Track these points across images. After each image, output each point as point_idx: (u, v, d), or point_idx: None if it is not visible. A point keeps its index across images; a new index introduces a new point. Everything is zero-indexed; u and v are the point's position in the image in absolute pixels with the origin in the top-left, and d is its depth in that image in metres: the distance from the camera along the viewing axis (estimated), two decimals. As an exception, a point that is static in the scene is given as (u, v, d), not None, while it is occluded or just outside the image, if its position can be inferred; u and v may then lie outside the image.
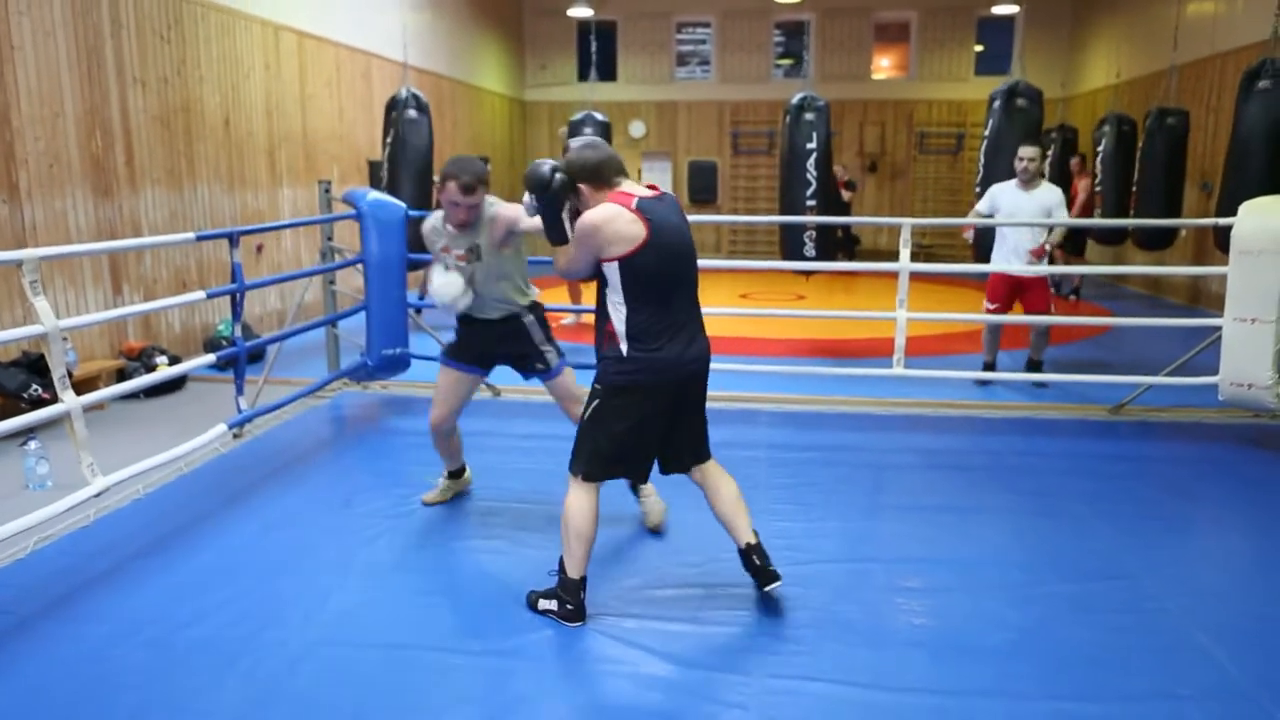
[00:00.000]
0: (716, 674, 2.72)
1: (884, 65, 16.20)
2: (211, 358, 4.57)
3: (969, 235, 6.63)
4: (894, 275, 5.51)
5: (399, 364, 5.75)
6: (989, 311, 6.16)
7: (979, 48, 15.60)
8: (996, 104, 7.76)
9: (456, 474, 4.13)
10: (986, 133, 7.80)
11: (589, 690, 2.66)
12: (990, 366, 6.35)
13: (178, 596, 3.17)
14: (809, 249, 7.48)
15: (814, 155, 7.42)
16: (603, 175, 2.89)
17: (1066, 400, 5.90)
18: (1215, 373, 5.01)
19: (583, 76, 16.07)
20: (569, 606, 2.99)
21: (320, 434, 5.28)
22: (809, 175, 7.42)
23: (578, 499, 2.98)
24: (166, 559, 3.47)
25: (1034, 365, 6.25)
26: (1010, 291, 6.12)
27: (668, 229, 2.87)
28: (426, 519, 3.88)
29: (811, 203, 7.46)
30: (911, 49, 15.76)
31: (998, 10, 14.07)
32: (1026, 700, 2.60)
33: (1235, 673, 2.74)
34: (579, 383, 3.77)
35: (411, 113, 7.78)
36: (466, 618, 3.07)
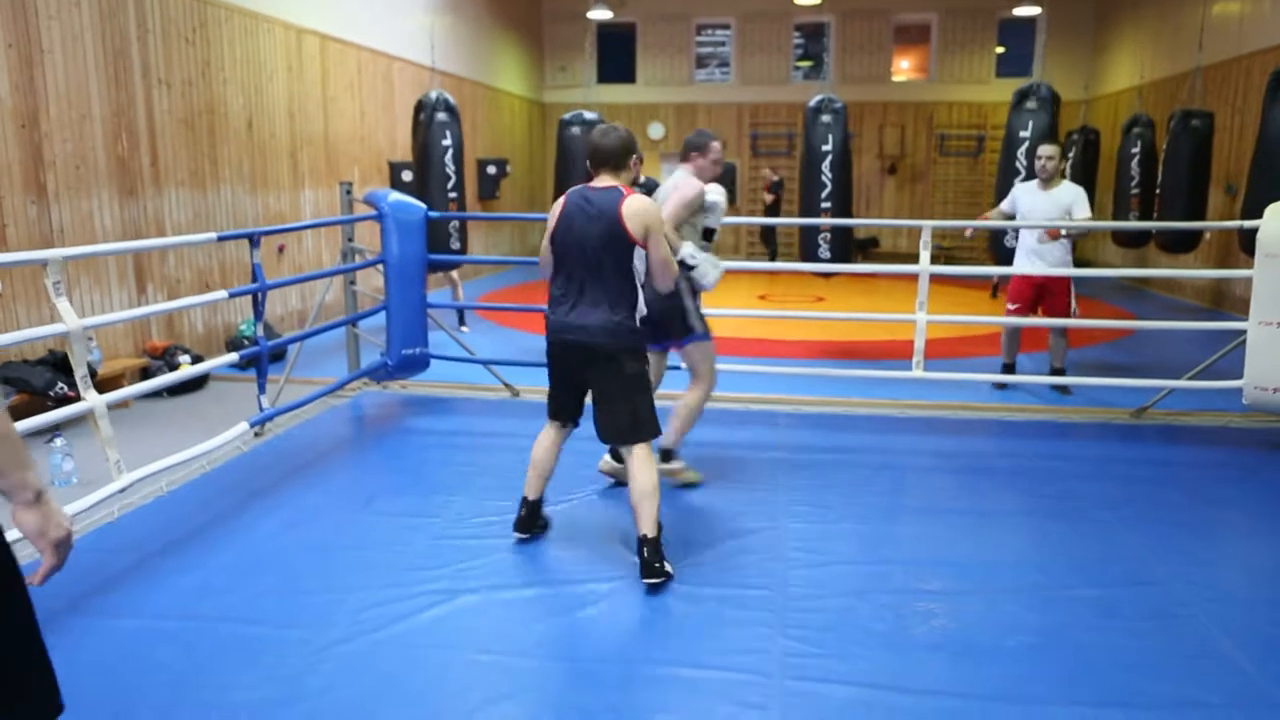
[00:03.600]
0: (736, 675, 2.71)
1: (904, 67, 16.13)
2: (234, 357, 4.61)
3: (969, 234, 6.55)
4: (913, 278, 5.49)
5: (419, 364, 5.78)
6: (1010, 313, 6.12)
7: (1000, 49, 15.50)
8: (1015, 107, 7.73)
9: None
10: (1026, 134, 7.73)
11: (611, 692, 2.66)
12: (1009, 369, 6.30)
13: (201, 593, 3.20)
14: (824, 251, 7.46)
15: (830, 157, 7.40)
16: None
17: (1088, 404, 5.85)
18: (1239, 377, 4.96)
19: (602, 79, 16.11)
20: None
21: (341, 433, 5.32)
22: (824, 177, 7.40)
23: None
24: (190, 556, 3.50)
25: (1056, 372, 6.19)
26: (1033, 293, 6.07)
27: (577, 218, 3.34)
28: (446, 518, 3.89)
29: (827, 205, 7.44)
30: (932, 51, 15.68)
31: (1019, 12, 13.97)
32: (1047, 705, 2.58)
33: (1261, 680, 2.71)
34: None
35: (441, 115, 7.83)
36: (488, 618, 3.07)
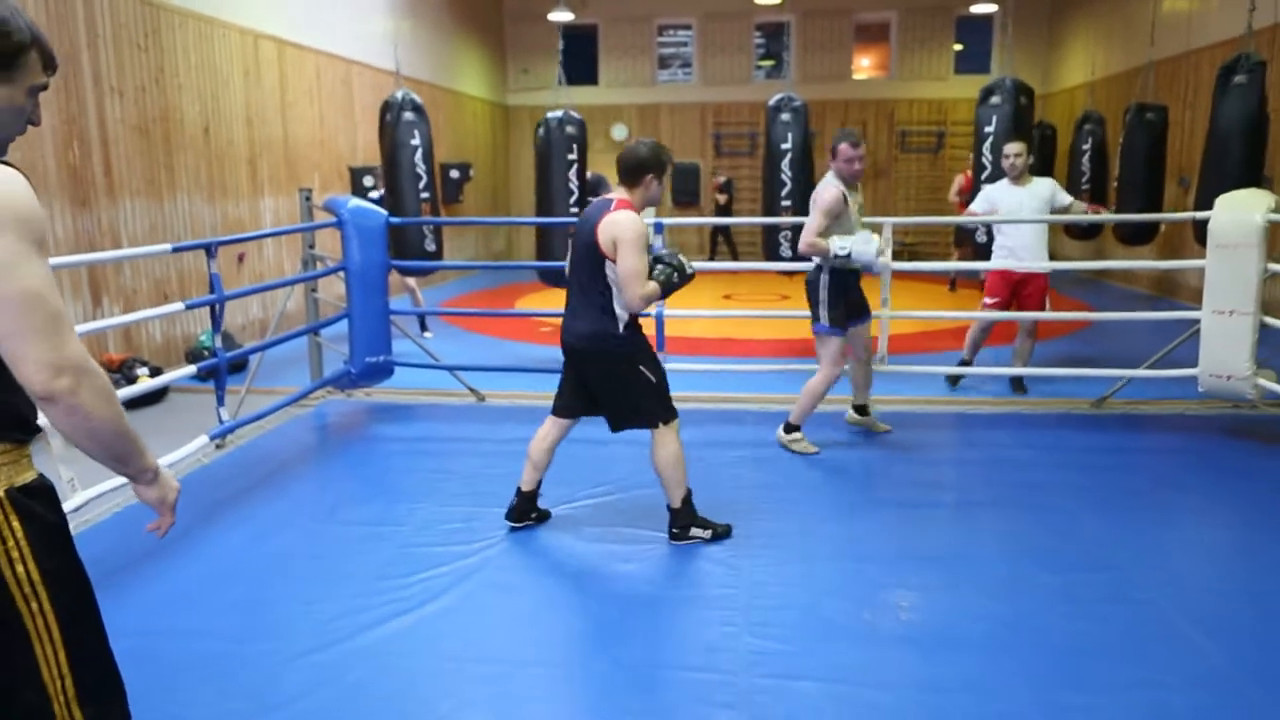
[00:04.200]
0: (703, 674, 2.71)
1: (864, 65, 16.27)
2: (192, 369, 4.55)
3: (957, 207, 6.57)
4: (876, 274, 5.52)
5: (382, 371, 5.73)
6: (986, 307, 6.08)
7: (958, 47, 15.69)
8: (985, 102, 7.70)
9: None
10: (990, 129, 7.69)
11: (578, 695, 2.65)
12: (967, 363, 6.26)
13: (162, 609, 3.15)
14: (784, 249, 7.49)
15: (789, 155, 7.43)
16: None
17: (1050, 395, 5.93)
18: (1195, 365, 5.05)
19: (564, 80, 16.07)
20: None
21: (304, 443, 5.26)
22: (784, 176, 7.43)
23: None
24: (150, 572, 3.44)
25: (1016, 381, 6.15)
26: (1010, 289, 6.01)
27: (579, 230, 3.54)
28: (412, 526, 3.86)
29: (787, 203, 7.47)
30: (892, 49, 15.83)
31: (976, 9, 14.16)
32: (1013, 693, 2.61)
33: (1218, 660, 2.76)
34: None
35: (409, 115, 7.73)
36: (455, 625, 3.05)
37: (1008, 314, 6.07)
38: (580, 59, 16.33)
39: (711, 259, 14.52)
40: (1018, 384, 6.12)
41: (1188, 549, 3.69)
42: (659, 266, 3.53)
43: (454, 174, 12.93)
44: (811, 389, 4.78)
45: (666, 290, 3.53)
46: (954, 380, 6.23)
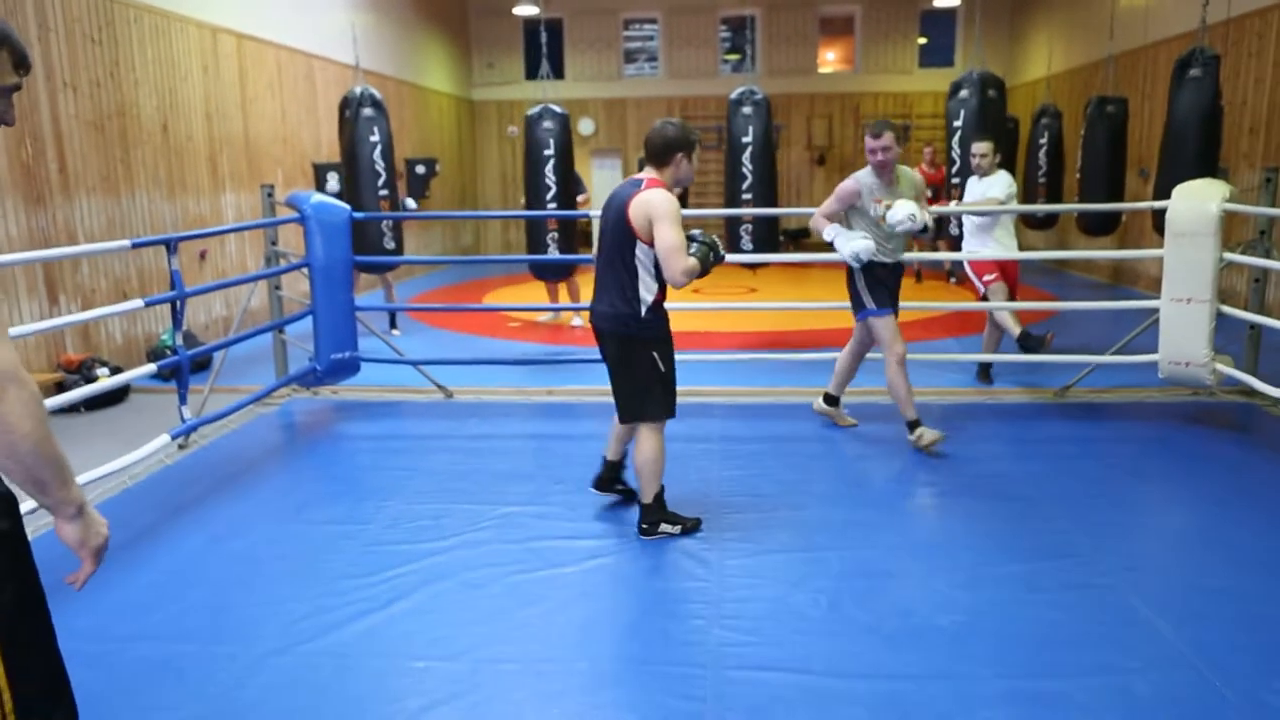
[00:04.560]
0: (673, 668, 2.72)
1: (830, 59, 16.34)
2: (152, 367, 4.47)
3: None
4: (844, 266, 5.54)
5: (348, 368, 5.68)
6: (988, 284, 5.93)
7: (922, 40, 15.81)
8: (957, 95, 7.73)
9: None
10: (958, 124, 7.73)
11: (547, 693, 2.64)
12: (987, 370, 6.17)
13: (122, 614, 3.09)
14: (746, 242, 7.49)
15: (750, 149, 7.43)
16: None
17: (1014, 385, 6.00)
18: (1155, 352, 5.13)
19: (530, 75, 15.99)
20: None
21: (269, 442, 5.19)
22: (745, 169, 7.43)
23: None
24: (110, 575, 3.37)
25: (984, 368, 6.23)
26: (1001, 268, 5.96)
27: (607, 211, 3.56)
28: (379, 525, 3.82)
29: (747, 196, 7.46)
30: (856, 42, 15.91)
31: (939, 3, 14.27)
32: (979, 681, 2.63)
33: (1177, 643, 2.81)
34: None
35: (368, 110, 7.64)
36: (424, 624, 3.03)
37: (973, 304, 6.13)
38: (547, 53, 16.24)
39: None
40: (984, 373, 6.19)
41: (1147, 535, 3.75)
42: (694, 245, 3.50)
43: (420, 169, 12.82)
44: (891, 381, 4.73)
45: (704, 268, 3.50)
46: (985, 376, 6.17)
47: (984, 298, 6.02)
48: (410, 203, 8.65)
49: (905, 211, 4.50)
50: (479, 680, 2.68)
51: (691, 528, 3.66)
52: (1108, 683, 2.61)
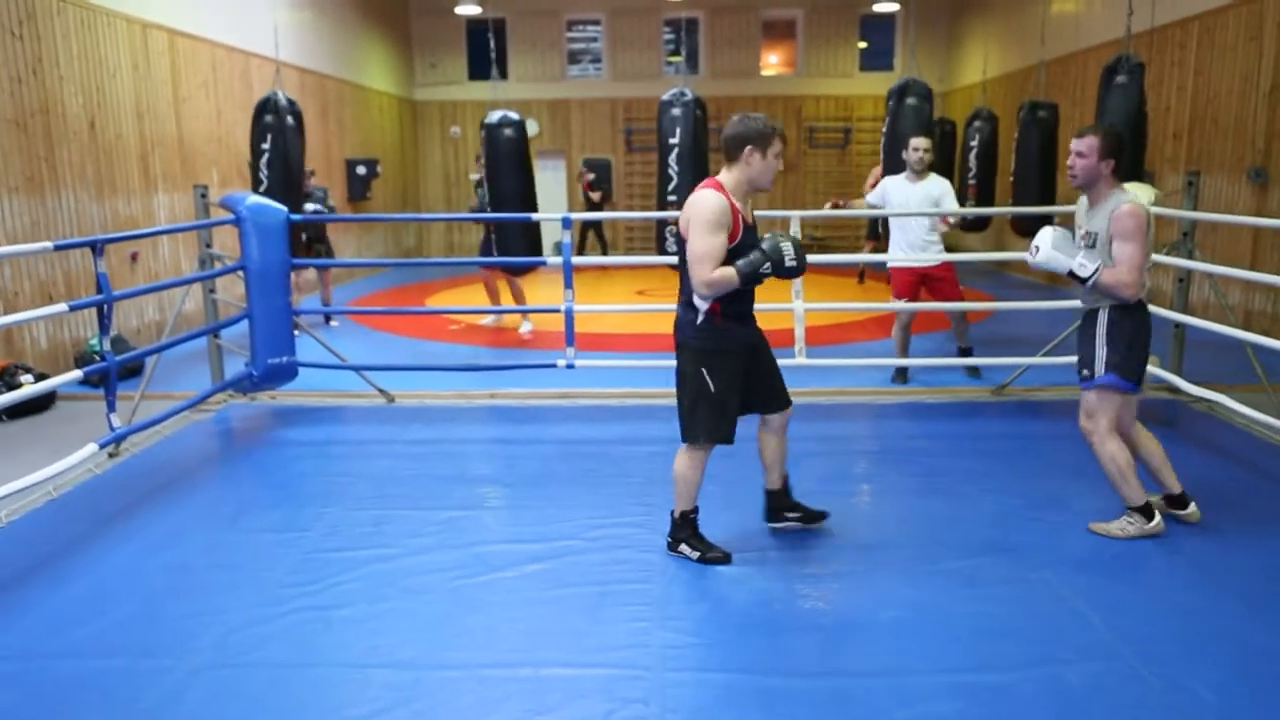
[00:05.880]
0: (615, 670, 2.71)
1: (772, 62, 16.50)
2: (78, 374, 4.32)
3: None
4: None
5: (286, 373, 5.56)
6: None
7: (863, 44, 16.04)
8: (892, 101, 7.90)
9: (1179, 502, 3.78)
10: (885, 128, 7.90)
11: (491, 698, 2.62)
12: (903, 372, 6.23)
13: (45, 630, 2.98)
14: (671, 244, 7.49)
15: (676, 150, 7.42)
16: None
17: (952, 384, 6.11)
18: (1086, 351, 5.26)
19: (474, 75, 15.84)
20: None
21: (204, 449, 5.06)
22: (670, 170, 7.43)
23: None
24: (33, 590, 3.26)
25: (964, 352, 6.29)
26: (916, 284, 6.08)
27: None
28: (319, 532, 3.75)
29: (672, 198, 7.47)
30: (798, 46, 16.09)
31: (879, 8, 14.49)
32: (919, 675, 2.68)
33: (1106, 634, 2.89)
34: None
35: (288, 119, 7.46)
36: (365, 631, 2.97)
37: (918, 305, 6.19)
38: (488, 53, 16.13)
39: (580, 254, 14.46)
40: (966, 353, 6.27)
41: (1079, 528, 3.83)
42: (754, 253, 3.19)
43: (361, 170, 12.63)
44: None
45: (749, 278, 3.18)
46: (901, 377, 6.23)
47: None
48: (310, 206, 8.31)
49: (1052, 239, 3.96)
50: (421, 689, 2.64)
51: (713, 559, 3.39)
52: (1042, 674, 2.67)
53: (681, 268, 3.28)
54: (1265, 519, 3.76)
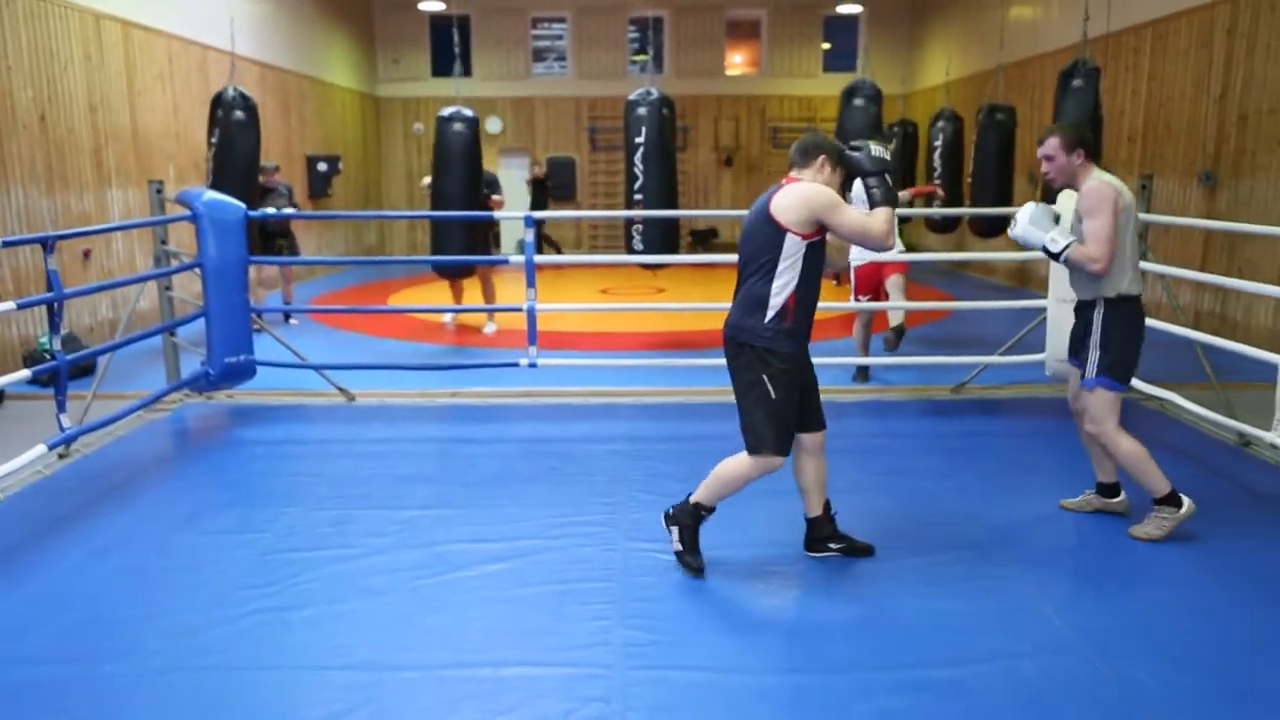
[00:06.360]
0: (576, 669, 2.70)
1: (737, 62, 16.56)
2: (26, 373, 4.22)
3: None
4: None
5: (243, 372, 5.49)
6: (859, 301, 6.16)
7: (826, 45, 16.16)
8: (843, 101, 8.02)
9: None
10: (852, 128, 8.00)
11: (451, 698, 2.60)
12: (865, 371, 6.32)
13: (-7, 633, 2.91)
14: (637, 242, 7.51)
15: (642, 149, 7.44)
16: None
17: (912, 382, 6.18)
18: (1042, 351, 5.36)
19: (437, 72, 15.72)
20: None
21: (159, 449, 4.97)
22: (636, 169, 7.44)
23: None
24: (-20, 593, 3.18)
25: (897, 330, 6.28)
26: (876, 279, 6.16)
27: (748, 218, 3.29)
28: (275, 532, 3.70)
29: (638, 196, 7.48)
30: (762, 46, 16.17)
31: (842, 10, 14.60)
32: (879, 671, 2.70)
33: (1063, 628, 2.94)
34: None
35: (239, 114, 7.35)
36: (323, 632, 2.94)
37: (877, 304, 6.25)
38: (452, 50, 16.02)
39: (558, 252, 14.48)
40: (899, 332, 6.27)
41: (1037, 524, 3.89)
42: (870, 180, 3.24)
43: (322, 167, 12.48)
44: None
45: (888, 196, 3.22)
46: (863, 375, 6.30)
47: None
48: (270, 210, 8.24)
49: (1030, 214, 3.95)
50: (380, 690, 2.62)
51: (688, 564, 3.34)
52: (998, 668, 2.71)
53: (750, 265, 3.24)
54: (1215, 514, 3.84)
